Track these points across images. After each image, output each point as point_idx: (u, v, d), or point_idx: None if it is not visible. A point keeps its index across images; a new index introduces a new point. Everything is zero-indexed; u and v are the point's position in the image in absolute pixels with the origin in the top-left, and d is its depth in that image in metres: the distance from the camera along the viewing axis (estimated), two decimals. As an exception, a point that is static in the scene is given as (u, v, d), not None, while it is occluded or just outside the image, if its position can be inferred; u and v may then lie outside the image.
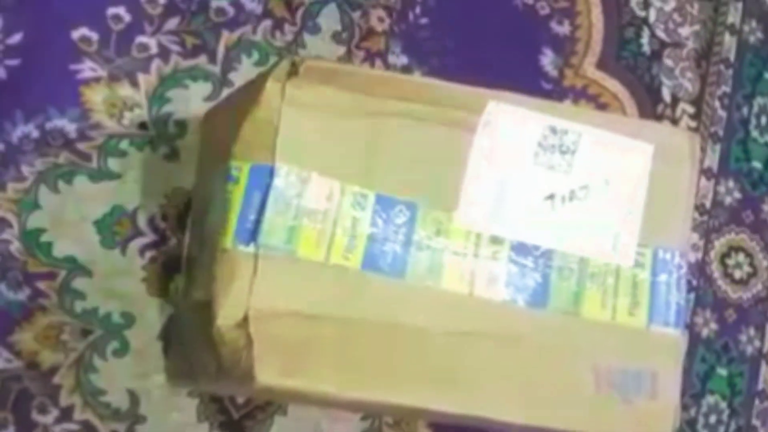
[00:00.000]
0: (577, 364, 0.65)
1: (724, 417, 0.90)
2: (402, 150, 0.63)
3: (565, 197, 0.66)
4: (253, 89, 0.62)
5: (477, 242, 0.64)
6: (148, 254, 0.73)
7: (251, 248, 0.59)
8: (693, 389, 0.88)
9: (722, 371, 0.90)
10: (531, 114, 0.66)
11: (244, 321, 0.58)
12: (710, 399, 0.89)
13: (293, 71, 0.61)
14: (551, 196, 0.66)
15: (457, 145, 0.64)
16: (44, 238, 0.71)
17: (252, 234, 0.59)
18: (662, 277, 0.68)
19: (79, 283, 0.72)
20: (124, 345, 0.72)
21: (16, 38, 0.72)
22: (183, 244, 0.73)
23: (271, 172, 0.60)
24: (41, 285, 0.71)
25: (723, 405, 0.90)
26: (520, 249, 0.65)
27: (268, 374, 0.57)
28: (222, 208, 0.61)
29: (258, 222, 0.59)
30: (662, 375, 0.66)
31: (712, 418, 0.89)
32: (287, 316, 0.59)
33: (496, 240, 0.64)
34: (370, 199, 0.62)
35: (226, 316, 0.58)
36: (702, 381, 0.89)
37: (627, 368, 0.65)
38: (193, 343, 0.65)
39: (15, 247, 0.70)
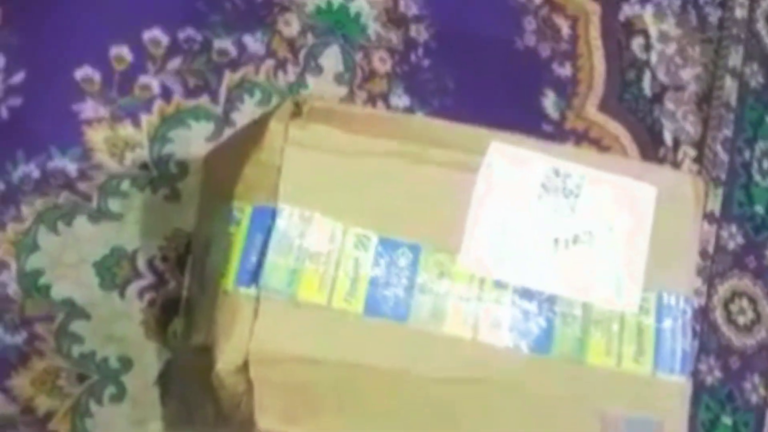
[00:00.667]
0: (583, 411, 0.63)
1: (730, 465, 0.88)
2: (405, 191, 0.63)
3: (568, 241, 0.66)
4: (255, 130, 0.62)
5: (481, 286, 0.63)
6: (147, 297, 0.73)
7: (252, 290, 0.58)
8: (698, 437, 0.87)
9: (727, 420, 0.89)
10: (534, 155, 0.66)
11: (245, 366, 0.57)
12: (715, 447, 0.88)
13: (296, 112, 0.60)
14: (555, 240, 0.65)
15: (460, 187, 0.64)
16: (43, 280, 0.70)
17: (254, 276, 0.59)
18: (667, 323, 0.67)
19: (77, 326, 0.71)
20: (121, 390, 0.71)
21: (18, 78, 0.72)
22: (183, 286, 0.72)
23: (273, 214, 0.59)
24: (38, 328, 0.70)
25: (728, 453, 0.89)
26: (524, 293, 0.64)
27: (268, 420, 0.56)
28: (223, 249, 0.60)
29: (260, 264, 0.59)
30: (668, 423, 0.65)
31: (718, 467, 0.88)
32: (288, 360, 0.58)
33: (499, 284, 0.64)
34: (372, 240, 0.61)
35: (226, 361, 0.57)
36: (707, 429, 0.88)
37: (633, 416, 0.64)
38: (191, 388, 0.64)
39: (12, 289, 0.70)
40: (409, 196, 0.63)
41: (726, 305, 0.91)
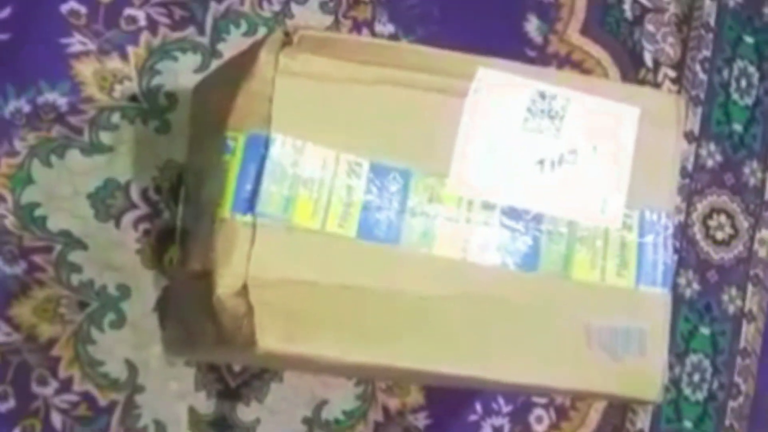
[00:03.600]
0: (568, 324, 0.66)
1: (707, 375, 0.92)
2: (395, 117, 0.64)
3: (554, 162, 0.67)
4: (246, 60, 0.63)
5: (469, 208, 0.65)
6: (142, 227, 0.74)
7: (249, 218, 0.60)
8: (677, 348, 0.90)
9: (705, 330, 0.92)
10: (520, 80, 0.67)
11: (244, 289, 0.59)
12: (693, 358, 0.91)
13: (286, 41, 0.61)
14: (541, 161, 0.67)
15: (448, 112, 0.65)
16: (39, 212, 0.71)
17: (249, 203, 0.60)
18: (649, 238, 0.69)
19: (75, 256, 0.72)
20: (120, 317, 0.73)
21: (5, 13, 0.71)
22: (177, 216, 0.73)
23: (266, 142, 0.60)
24: (37, 259, 0.71)
25: (706, 363, 0.92)
26: (511, 213, 0.66)
27: (269, 340, 0.58)
28: (219, 178, 0.62)
29: (255, 192, 0.60)
30: (650, 333, 0.68)
31: (696, 377, 0.91)
32: (286, 283, 0.60)
33: (487, 205, 0.65)
34: (364, 167, 0.63)
35: (226, 286, 0.59)
36: (685, 340, 0.91)
37: (616, 327, 0.67)
38: (190, 313, 0.66)
39: (10, 221, 0.71)
40: (399, 121, 0.64)
41: (704, 221, 0.94)
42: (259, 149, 0.61)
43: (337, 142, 0.62)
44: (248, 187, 0.60)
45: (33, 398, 0.71)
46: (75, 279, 0.72)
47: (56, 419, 0.71)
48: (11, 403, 0.70)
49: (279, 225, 0.60)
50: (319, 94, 0.62)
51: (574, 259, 0.67)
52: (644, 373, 0.67)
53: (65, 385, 0.71)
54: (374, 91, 0.63)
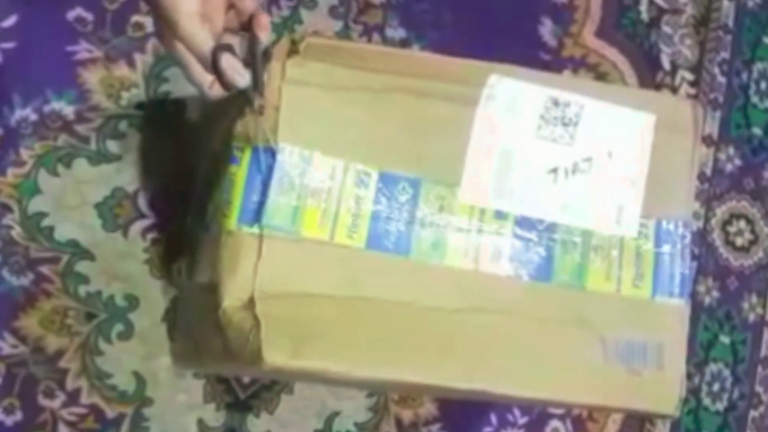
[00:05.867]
0: (584, 336, 0.65)
1: (728, 384, 0.90)
2: (404, 126, 0.63)
3: (568, 170, 0.66)
4: (252, 68, 0.62)
5: (481, 218, 0.64)
6: (150, 236, 0.73)
7: (256, 229, 0.59)
8: (696, 358, 0.88)
9: (725, 339, 0.90)
10: (533, 86, 0.66)
11: (250, 303, 0.58)
12: (713, 367, 0.90)
13: (293, 49, 0.60)
14: (554, 170, 0.66)
15: (459, 120, 0.64)
16: (46, 222, 0.71)
17: (256, 215, 0.59)
18: (666, 248, 0.67)
19: (82, 266, 0.71)
20: (128, 328, 0.72)
21: (10, 21, 0.71)
22: (185, 225, 0.73)
23: (273, 153, 0.59)
24: (44, 269, 0.71)
25: (726, 372, 0.90)
26: (524, 223, 0.65)
27: (276, 355, 0.57)
28: (225, 189, 0.61)
29: (262, 203, 0.59)
30: (668, 345, 0.66)
31: (716, 386, 0.90)
32: (293, 296, 0.59)
33: (499, 215, 0.64)
34: (373, 176, 0.62)
35: (232, 299, 0.58)
36: (705, 349, 0.89)
37: (633, 339, 0.65)
38: (199, 325, 0.65)
39: (16, 232, 0.70)
40: (409, 130, 0.63)
41: (724, 227, 0.92)
42: (266, 160, 0.60)
43: (345, 152, 0.61)
44: (255, 198, 0.59)
45: (40, 411, 0.70)
46: (82, 290, 0.71)
47: (64, 432, 0.70)
48: (18, 416, 0.70)
49: (286, 236, 0.59)
50: (326, 103, 0.61)
51: (588, 270, 0.66)
52: (662, 387, 0.65)
53: (73, 398, 0.71)
54: (383, 99, 0.62)
